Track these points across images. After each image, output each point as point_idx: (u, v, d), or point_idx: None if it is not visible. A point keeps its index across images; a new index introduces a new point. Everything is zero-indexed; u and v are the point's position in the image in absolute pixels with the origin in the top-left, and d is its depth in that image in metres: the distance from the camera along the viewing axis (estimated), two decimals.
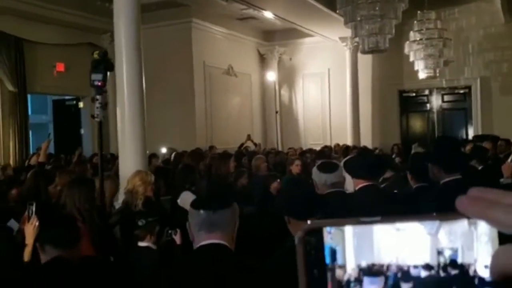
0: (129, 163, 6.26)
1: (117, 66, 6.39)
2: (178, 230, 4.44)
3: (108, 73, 3.47)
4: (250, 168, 7.38)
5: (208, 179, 6.67)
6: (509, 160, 6.36)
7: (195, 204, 2.05)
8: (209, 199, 2.05)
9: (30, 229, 3.84)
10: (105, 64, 3.35)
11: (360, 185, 3.67)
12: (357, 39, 9.66)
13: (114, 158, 10.94)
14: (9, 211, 3.77)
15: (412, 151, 6.05)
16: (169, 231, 4.50)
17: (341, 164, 3.75)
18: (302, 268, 0.47)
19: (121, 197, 5.66)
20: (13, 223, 3.82)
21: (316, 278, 0.46)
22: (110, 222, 5.11)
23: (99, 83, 3.31)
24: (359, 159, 3.85)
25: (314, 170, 3.56)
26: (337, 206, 3.26)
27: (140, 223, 4.24)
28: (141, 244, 4.27)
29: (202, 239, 1.99)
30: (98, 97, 3.35)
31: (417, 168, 4.36)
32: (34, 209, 3.71)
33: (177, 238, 4.45)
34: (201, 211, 1.98)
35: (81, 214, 4.33)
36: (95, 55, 3.40)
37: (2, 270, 3.00)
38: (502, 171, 4.96)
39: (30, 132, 12.65)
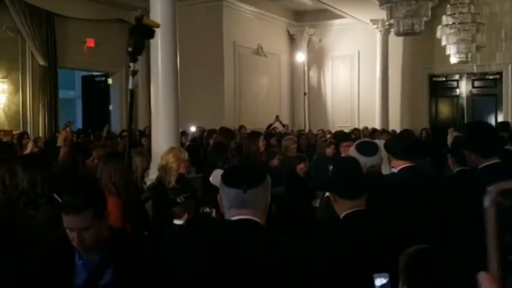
0: (161, 140, 6.27)
1: (152, 44, 6.38)
2: (214, 209, 4.35)
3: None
4: (279, 148, 7.33)
5: (239, 158, 6.65)
6: None
7: (225, 180, 1.97)
8: (240, 177, 1.93)
9: None
10: (140, 30, 3.21)
11: (401, 166, 3.60)
12: (391, 20, 9.45)
13: (143, 135, 11.02)
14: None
15: (448, 136, 5.90)
16: (205, 210, 4.42)
17: (380, 145, 3.63)
18: (493, 232, 0.42)
19: (152, 174, 5.68)
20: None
21: (509, 244, 0.42)
22: (143, 198, 5.12)
23: (131, 49, 3.19)
24: (401, 140, 3.74)
25: (353, 150, 3.45)
26: (380, 186, 3.19)
27: (178, 200, 4.17)
28: (177, 222, 4.19)
29: (233, 215, 1.95)
30: (130, 64, 3.24)
31: (459, 151, 4.26)
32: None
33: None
34: (232, 189, 1.93)
35: (116, 188, 4.34)
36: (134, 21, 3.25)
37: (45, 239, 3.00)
38: None
39: None
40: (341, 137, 7.58)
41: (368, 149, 3.40)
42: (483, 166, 3.53)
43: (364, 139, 3.77)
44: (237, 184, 1.91)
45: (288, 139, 7.29)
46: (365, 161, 3.35)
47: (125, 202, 4.36)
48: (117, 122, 13.71)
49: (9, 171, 3.81)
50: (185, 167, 5.16)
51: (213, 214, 4.34)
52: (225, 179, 1.98)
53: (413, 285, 1.88)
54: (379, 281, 2.05)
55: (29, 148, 6.51)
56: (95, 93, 14.66)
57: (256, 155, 6.48)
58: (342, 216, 2.65)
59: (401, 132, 3.83)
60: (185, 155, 5.16)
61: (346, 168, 2.76)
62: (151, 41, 6.49)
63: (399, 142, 3.70)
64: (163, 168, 5.06)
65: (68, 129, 6.96)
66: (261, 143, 6.57)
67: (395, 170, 3.74)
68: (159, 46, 6.38)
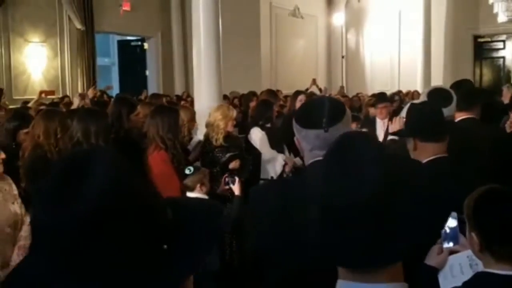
0: (204, 104, 6.09)
1: (194, 6, 6.21)
2: (237, 179, 4.10)
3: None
4: None
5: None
6: None
7: (302, 121, 1.77)
8: (318, 115, 1.71)
9: None
10: None
11: (460, 118, 3.34)
12: None
13: (181, 99, 10.90)
14: None
15: (504, 92, 5.62)
16: (227, 179, 4.14)
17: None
18: None
19: (197, 136, 5.55)
20: None
21: None
22: (191, 158, 4.99)
23: None
24: (462, 89, 3.42)
25: (423, 98, 3.17)
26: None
27: (187, 171, 3.78)
28: (190, 194, 3.78)
29: (315, 156, 1.75)
30: None
31: None
32: None
33: (236, 188, 4.09)
34: (311, 130, 1.72)
35: (164, 142, 4.22)
36: None
37: None
38: None
39: None
40: (378, 98, 7.23)
41: (442, 98, 3.01)
42: None
43: (437, 85, 3.44)
44: (316, 124, 1.70)
45: None
46: None
47: (174, 157, 4.26)
48: (154, 88, 13.63)
49: (60, 124, 3.76)
50: (233, 125, 5.02)
51: (236, 184, 4.05)
52: (300, 120, 1.77)
53: (483, 229, 1.69)
54: (451, 222, 1.87)
55: (76, 103, 6.42)
56: (132, 59, 14.60)
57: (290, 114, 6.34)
58: (424, 162, 2.40)
59: (460, 81, 3.50)
60: (233, 113, 5.02)
61: (426, 110, 2.51)
62: (193, 3, 6.34)
63: (460, 91, 3.38)
64: (211, 126, 4.92)
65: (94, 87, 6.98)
66: (298, 103, 6.37)
67: None
68: (200, 9, 6.20)
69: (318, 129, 1.69)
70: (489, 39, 15.27)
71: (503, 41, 15.15)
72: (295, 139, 1.83)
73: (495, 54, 15.42)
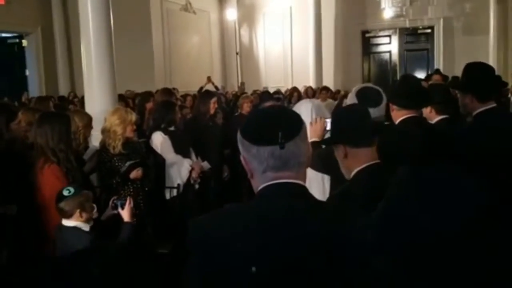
0: (97, 105, 5.46)
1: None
2: (128, 202, 3.44)
3: None
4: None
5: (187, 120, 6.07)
6: None
7: (252, 136, 1.41)
8: (272, 128, 1.38)
9: None
10: None
11: (403, 117, 3.08)
12: None
13: (67, 101, 10.01)
14: None
15: None
16: (115, 202, 3.47)
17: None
18: None
19: (92, 141, 4.95)
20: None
21: None
22: (86, 169, 4.41)
23: None
24: (404, 86, 3.19)
25: (352, 99, 2.89)
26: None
27: (65, 193, 3.09)
28: (67, 223, 3.13)
29: (268, 180, 1.41)
30: None
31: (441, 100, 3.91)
32: None
33: (125, 213, 3.40)
34: (263, 147, 1.39)
35: (55, 155, 3.63)
36: None
37: None
38: None
39: None
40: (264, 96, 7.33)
41: (371, 98, 2.74)
42: (479, 112, 3.18)
43: (365, 84, 3.18)
44: (270, 138, 1.36)
45: (245, 97, 7.18)
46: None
47: (68, 171, 3.67)
48: (35, 89, 12.48)
49: None
50: (132, 130, 4.50)
51: (126, 209, 3.41)
52: (250, 134, 1.42)
53: None
54: None
55: None
56: (8, 58, 13.24)
57: (205, 117, 5.96)
58: (355, 171, 2.14)
59: (405, 76, 3.32)
60: (133, 117, 4.49)
61: (355, 111, 2.25)
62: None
63: (402, 89, 3.14)
64: (107, 131, 4.37)
65: None
66: (212, 104, 6.04)
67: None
68: (88, 2, 5.56)
69: (272, 145, 1.36)
70: (376, 35, 15.86)
71: (389, 36, 15.81)
72: (241, 158, 1.47)
73: (382, 49, 16.05)
